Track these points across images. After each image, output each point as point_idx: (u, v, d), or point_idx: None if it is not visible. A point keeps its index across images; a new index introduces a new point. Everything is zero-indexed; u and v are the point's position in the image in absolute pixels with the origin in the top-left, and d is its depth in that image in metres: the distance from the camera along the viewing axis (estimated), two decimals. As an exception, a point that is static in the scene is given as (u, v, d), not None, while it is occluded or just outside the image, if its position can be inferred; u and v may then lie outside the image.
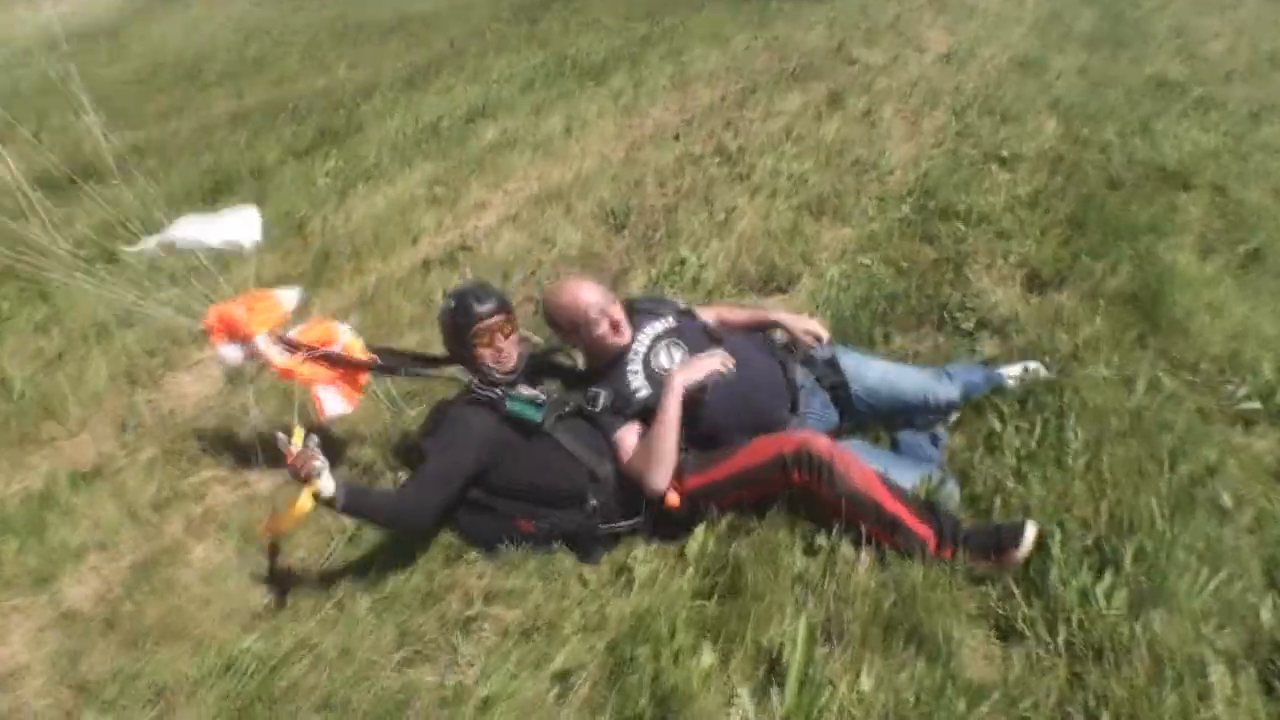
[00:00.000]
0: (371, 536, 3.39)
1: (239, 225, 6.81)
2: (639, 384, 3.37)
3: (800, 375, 3.48)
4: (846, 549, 2.99)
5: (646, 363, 3.40)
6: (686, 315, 3.63)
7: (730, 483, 3.13)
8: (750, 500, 3.15)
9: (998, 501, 3.15)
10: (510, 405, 3.28)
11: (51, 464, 4.10)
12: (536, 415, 3.27)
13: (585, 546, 3.22)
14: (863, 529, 2.96)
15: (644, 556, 3.16)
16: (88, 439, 4.28)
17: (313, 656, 2.92)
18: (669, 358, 3.41)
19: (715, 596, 2.94)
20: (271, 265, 6.09)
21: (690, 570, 3.04)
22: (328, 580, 3.24)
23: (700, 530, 3.16)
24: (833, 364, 3.55)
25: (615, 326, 3.37)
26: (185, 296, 4.24)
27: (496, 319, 3.38)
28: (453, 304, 3.42)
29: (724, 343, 3.44)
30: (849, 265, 5.05)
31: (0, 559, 3.54)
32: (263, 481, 3.83)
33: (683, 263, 5.32)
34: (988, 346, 4.21)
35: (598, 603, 3.01)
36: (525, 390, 3.37)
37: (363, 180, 7.54)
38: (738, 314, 3.83)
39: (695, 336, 3.48)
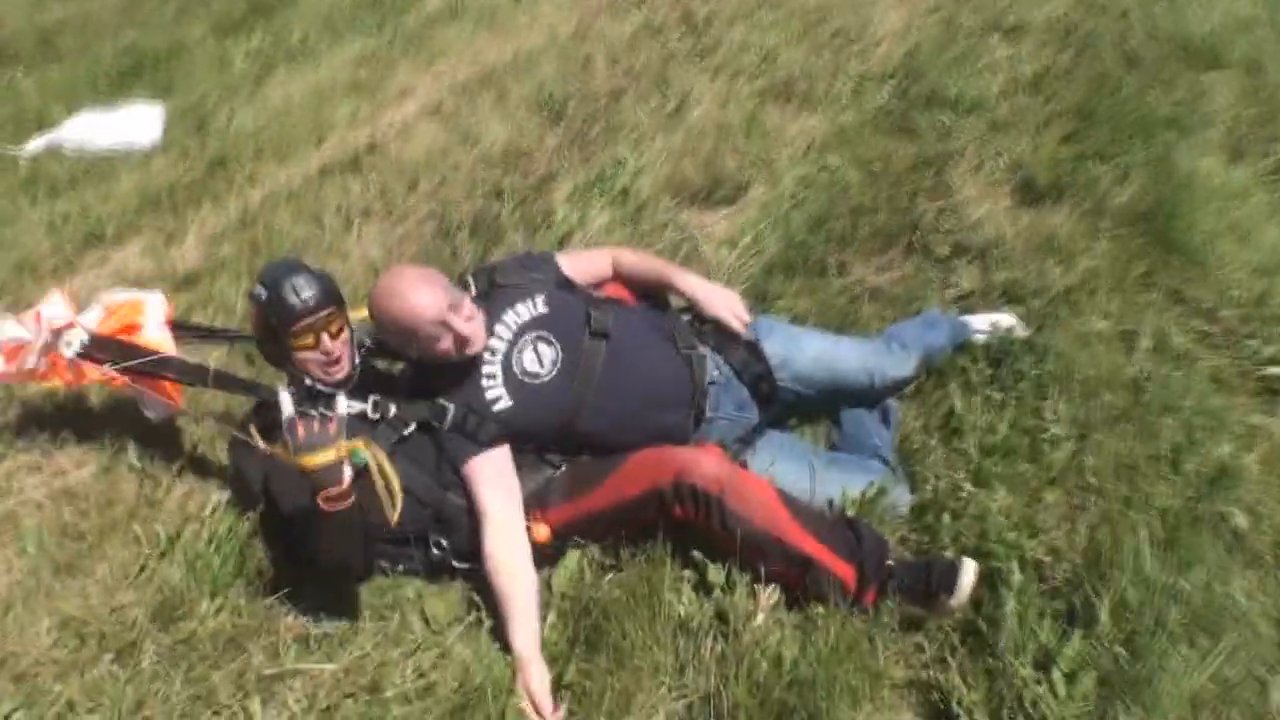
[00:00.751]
0: (188, 547, 2.79)
1: (138, 124, 6.16)
2: (496, 393, 2.60)
3: (711, 367, 2.73)
4: (748, 584, 2.36)
5: (507, 366, 2.63)
6: (563, 290, 2.81)
7: (600, 518, 2.50)
8: (629, 535, 2.51)
9: (946, 515, 2.49)
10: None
11: None
12: (358, 457, 2.42)
13: (442, 582, 2.61)
14: (764, 569, 2.33)
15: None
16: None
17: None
18: (535, 358, 2.63)
19: (575, 651, 2.34)
20: (162, 173, 5.38)
21: (551, 614, 2.44)
22: (122, 616, 2.65)
23: (573, 558, 2.54)
24: (754, 349, 2.78)
25: (461, 341, 2.54)
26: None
27: (322, 314, 2.57)
28: (263, 294, 2.58)
29: (610, 332, 2.66)
30: (811, 168, 4.23)
31: None
32: (81, 470, 3.22)
33: (620, 164, 4.52)
34: (965, 278, 3.45)
35: (436, 650, 2.41)
36: (346, 405, 2.48)
37: (285, 62, 6.59)
38: (640, 264, 3.01)
39: (569, 326, 2.68)
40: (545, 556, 2.53)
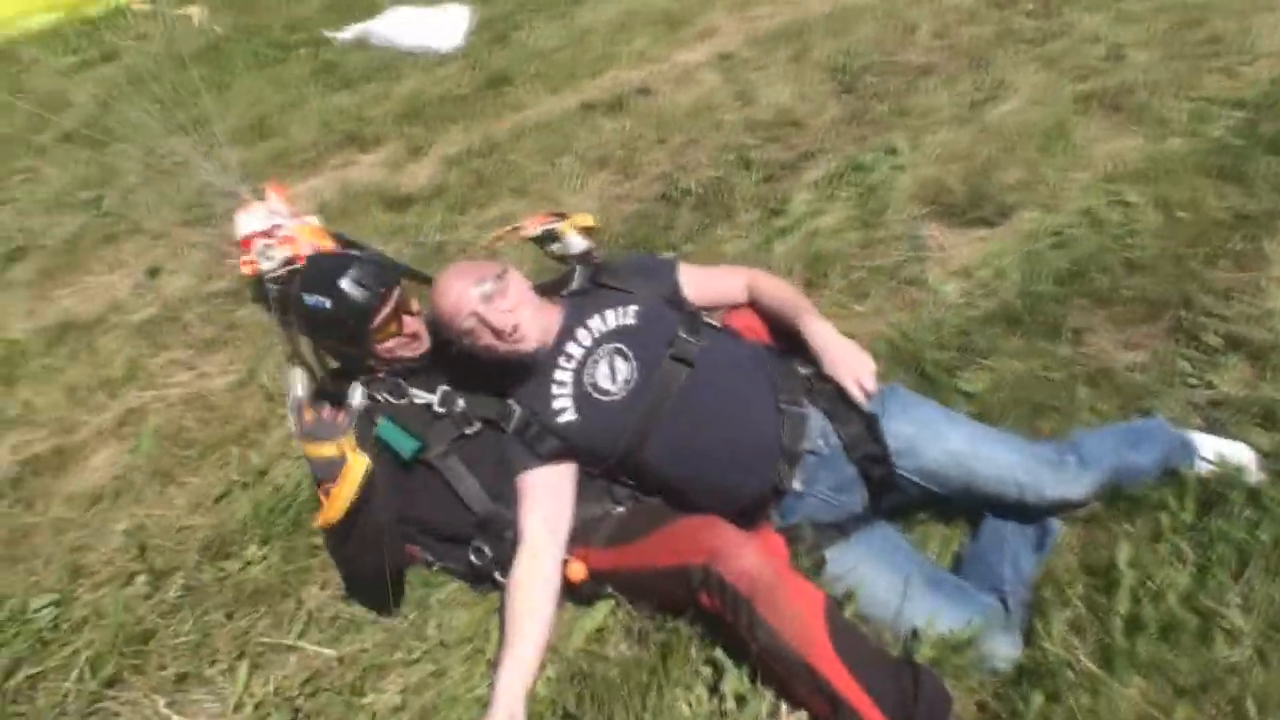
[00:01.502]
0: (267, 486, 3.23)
1: (445, 26, 6.94)
2: (563, 404, 2.62)
3: (814, 433, 2.55)
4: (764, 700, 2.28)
5: (579, 376, 2.63)
6: (666, 305, 2.75)
7: (632, 579, 2.50)
8: (662, 605, 2.49)
9: (1041, 693, 2.22)
10: (381, 430, 2.71)
11: (70, 303, 4.39)
12: (406, 449, 2.67)
13: (484, 590, 2.76)
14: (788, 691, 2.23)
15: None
16: (113, 282, 4.50)
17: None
18: (609, 373, 2.61)
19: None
20: (441, 82, 6.02)
21: (553, 668, 2.47)
22: (182, 539, 3.12)
23: (602, 611, 2.57)
24: (872, 426, 2.55)
25: (499, 332, 2.56)
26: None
27: (394, 297, 2.70)
28: (326, 304, 2.63)
29: (694, 360, 2.58)
30: (1102, 200, 3.85)
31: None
32: (221, 379, 3.80)
33: (890, 153, 4.41)
34: (1225, 379, 3.03)
35: (432, 667, 2.57)
36: (362, 396, 2.70)
37: (614, -20, 7.10)
38: (774, 295, 2.86)
39: (652, 344, 2.62)
40: (580, 596, 2.60)
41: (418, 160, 5.18)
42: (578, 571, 2.54)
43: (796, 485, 2.51)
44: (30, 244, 5.08)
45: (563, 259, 2.99)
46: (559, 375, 2.61)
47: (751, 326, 2.91)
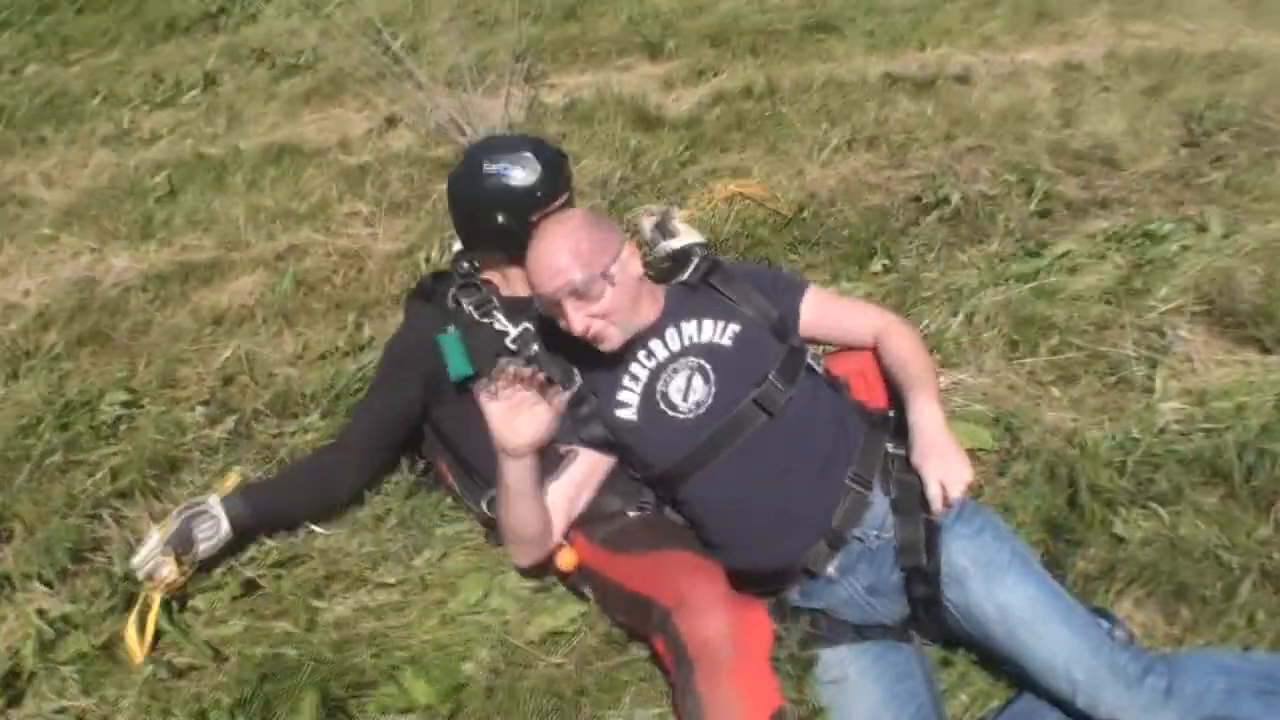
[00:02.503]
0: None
1: None
2: (628, 399, 2.41)
3: (870, 522, 2.24)
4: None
5: (653, 381, 2.41)
6: (772, 334, 2.46)
7: (607, 591, 2.35)
8: (627, 629, 2.35)
9: None
10: (444, 338, 2.61)
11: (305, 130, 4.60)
12: (454, 370, 2.57)
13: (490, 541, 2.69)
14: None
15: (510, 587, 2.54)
16: (354, 120, 4.64)
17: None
18: (684, 389, 2.37)
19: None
20: (768, 11, 5.78)
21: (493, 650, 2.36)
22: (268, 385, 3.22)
23: (570, 611, 2.42)
24: (931, 537, 2.20)
25: (588, 330, 2.34)
26: None
27: (561, 200, 2.64)
28: (511, 173, 2.60)
29: (777, 412, 2.31)
30: None
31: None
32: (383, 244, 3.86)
33: (1201, 229, 3.76)
34: None
35: (390, 598, 2.52)
36: (499, 322, 2.62)
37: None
38: (900, 356, 2.50)
39: (740, 376, 2.36)
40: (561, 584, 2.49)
41: (693, 85, 5.04)
42: (567, 559, 2.38)
43: (830, 570, 2.22)
44: (307, 66, 5.34)
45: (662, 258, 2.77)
46: (635, 369, 2.41)
47: (864, 372, 2.59)
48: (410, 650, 2.36)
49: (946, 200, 4.03)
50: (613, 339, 2.35)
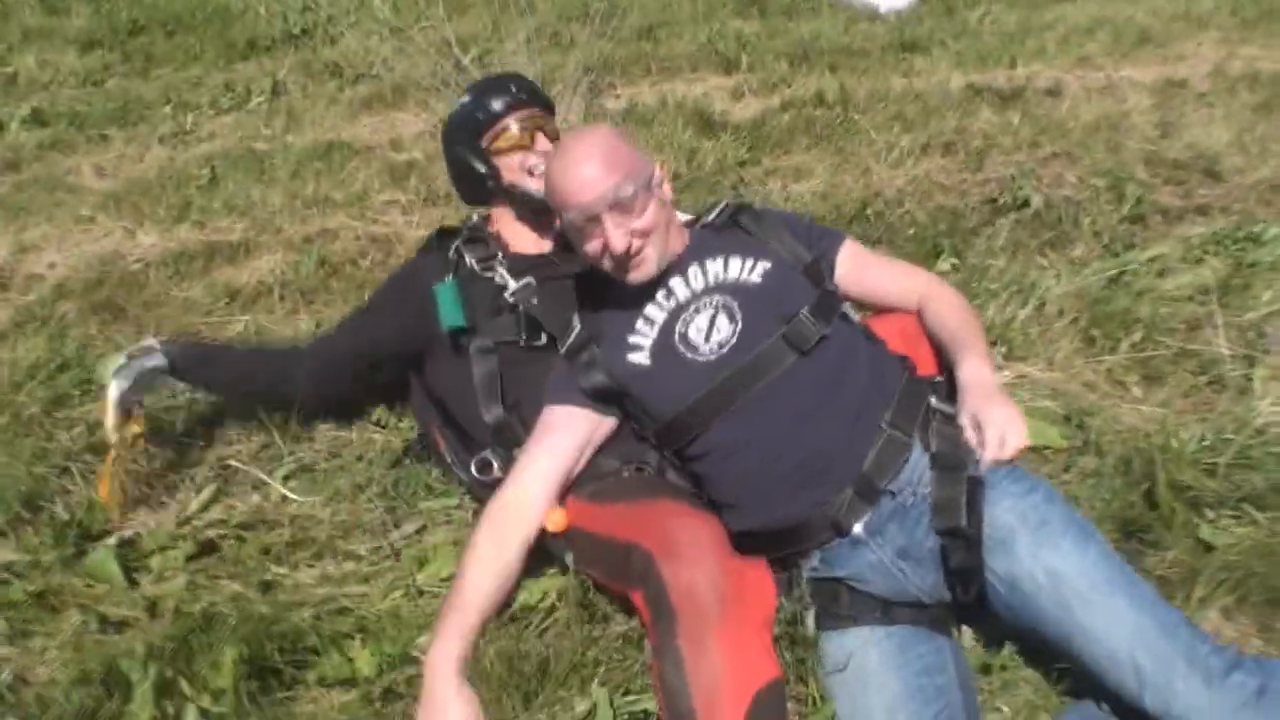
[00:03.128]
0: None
1: None
2: (639, 342, 2.12)
3: (908, 474, 1.93)
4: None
5: (671, 321, 2.12)
6: (805, 276, 2.17)
7: (589, 544, 2.03)
8: (608, 589, 2.06)
9: None
10: (440, 289, 2.40)
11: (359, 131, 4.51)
12: (447, 320, 2.37)
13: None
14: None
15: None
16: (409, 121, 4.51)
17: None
18: (705, 328, 2.08)
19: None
20: (852, 32, 5.55)
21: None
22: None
23: (550, 583, 2.11)
24: (974, 494, 1.85)
25: (613, 257, 2.07)
26: None
27: (534, 113, 2.49)
28: (466, 99, 2.55)
29: (809, 349, 2.01)
30: None
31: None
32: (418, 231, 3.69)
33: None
34: None
35: (353, 569, 2.27)
36: (500, 276, 2.41)
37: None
38: (946, 318, 2.20)
39: (768, 312, 2.07)
40: (547, 550, 2.13)
41: (763, 95, 4.80)
42: (556, 520, 2.08)
43: (858, 528, 1.91)
44: (374, 76, 5.32)
45: None
46: (650, 310, 2.13)
47: (905, 333, 2.27)
48: (363, 621, 2.09)
49: (1026, 203, 3.69)
50: (649, 263, 2.09)
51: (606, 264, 2.10)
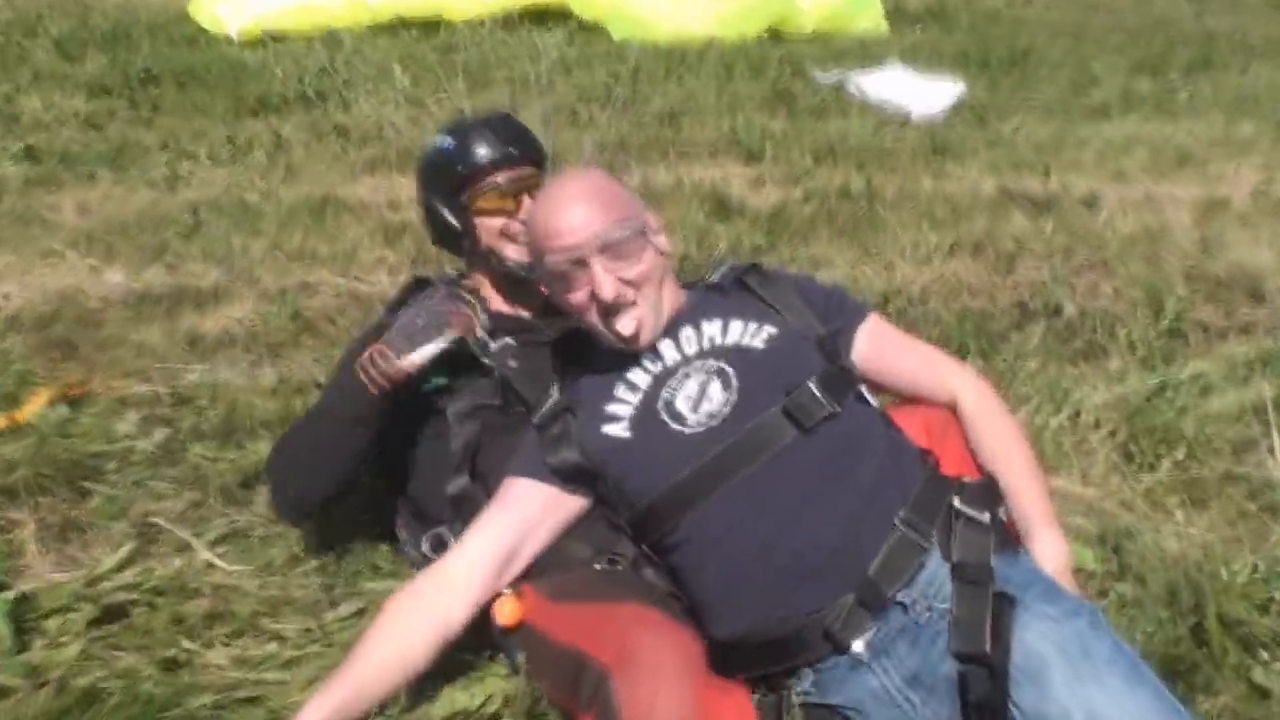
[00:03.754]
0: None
1: (928, 95, 6.59)
2: (618, 412, 1.85)
3: (923, 586, 1.62)
4: None
5: (657, 388, 1.85)
6: (815, 344, 1.90)
7: (540, 648, 1.74)
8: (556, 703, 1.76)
9: None
10: None
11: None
12: (433, 377, 2.09)
13: None
14: None
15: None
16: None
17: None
18: (695, 397, 1.80)
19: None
20: (881, 133, 5.43)
21: None
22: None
23: (491, 686, 1.82)
24: (1000, 614, 1.55)
25: (602, 308, 1.82)
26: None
27: (525, 171, 2.21)
28: (449, 143, 2.25)
29: (812, 428, 1.73)
30: None
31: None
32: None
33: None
34: None
35: (275, 652, 1.97)
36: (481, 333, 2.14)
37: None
38: (993, 446, 1.91)
39: (769, 383, 1.79)
40: (504, 641, 1.85)
41: (786, 185, 4.62)
42: (508, 612, 1.78)
43: (859, 644, 1.60)
44: (382, 139, 5.19)
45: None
46: (634, 375, 1.86)
47: (931, 430, 1.98)
48: (275, 714, 1.80)
49: (1058, 310, 3.48)
50: (642, 328, 1.82)
51: (592, 319, 1.83)
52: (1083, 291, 3.65)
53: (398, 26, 7.80)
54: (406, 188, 4.55)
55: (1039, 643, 1.51)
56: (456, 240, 2.26)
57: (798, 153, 5.20)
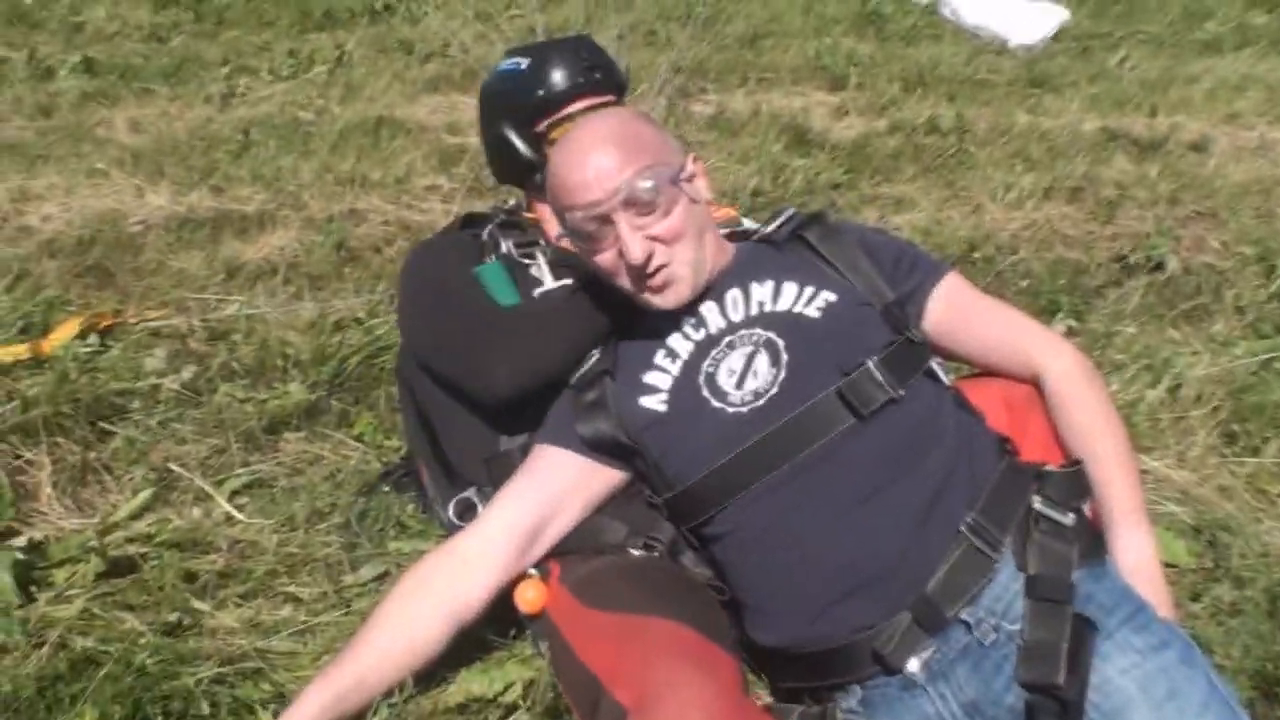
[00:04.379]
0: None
1: (1028, 21, 6.20)
2: (656, 382, 1.66)
3: (987, 598, 1.43)
4: None
5: (698, 357, 1.66)
6: (883, 317, 1.66)
7: (565, 658, 1.56)
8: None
9: None
10: (485, 269, 1.94)
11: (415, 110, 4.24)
12: (505, 297, 1.89)
13: None
14: None
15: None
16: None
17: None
18: (741, 370, 1.61)
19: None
20: (976, 63, 5.12)
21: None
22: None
23: (512, 672, 1.67)
24: (1079, 639, 1.36)
25: (630, 268, 1.61)
26: None
27: (597, 99, 1.99)
28: (523, 65, 2.02)
29: (870, 415, 1.52)
30: None
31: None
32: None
33: None
34: None
35: (289, 616, 1.85)
36: (538, 270, 1.94)
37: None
38: (1082, 428, 1.65)
39: (829, 361, 1.58)
40: (531, 624, 1.70)
41: (870, 116, 4.39)
42: (531, 599, 1.61)
43: (913, 665, 1.41)
44: (446, 56, 5.01)
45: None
46: (674, 342, 1.67)
47: (1012, 408, 1.73)
48: (281, 688, 1.67)
49: (1160, 265, 3.22)
50: (680, 283, 1.62)
51: (623, 282, 1.64)
52: (1188, 246, 3.38)
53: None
54: (468, 109, 4.40)
55: (1120, 678, 1.33)
56: (528, 172, 2.03)
57: (885, 80, 4.95)
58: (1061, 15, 5.96)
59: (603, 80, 2.02)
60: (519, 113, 1.99)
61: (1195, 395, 2.54)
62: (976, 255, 3.19)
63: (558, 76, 1.97)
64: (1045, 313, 2.97)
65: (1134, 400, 2.52)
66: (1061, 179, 3.78)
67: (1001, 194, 3.61)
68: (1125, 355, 2.68)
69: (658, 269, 1.59)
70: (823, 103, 4.64)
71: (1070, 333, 2.90)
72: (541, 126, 1.96)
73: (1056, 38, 5.81)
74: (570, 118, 1.94)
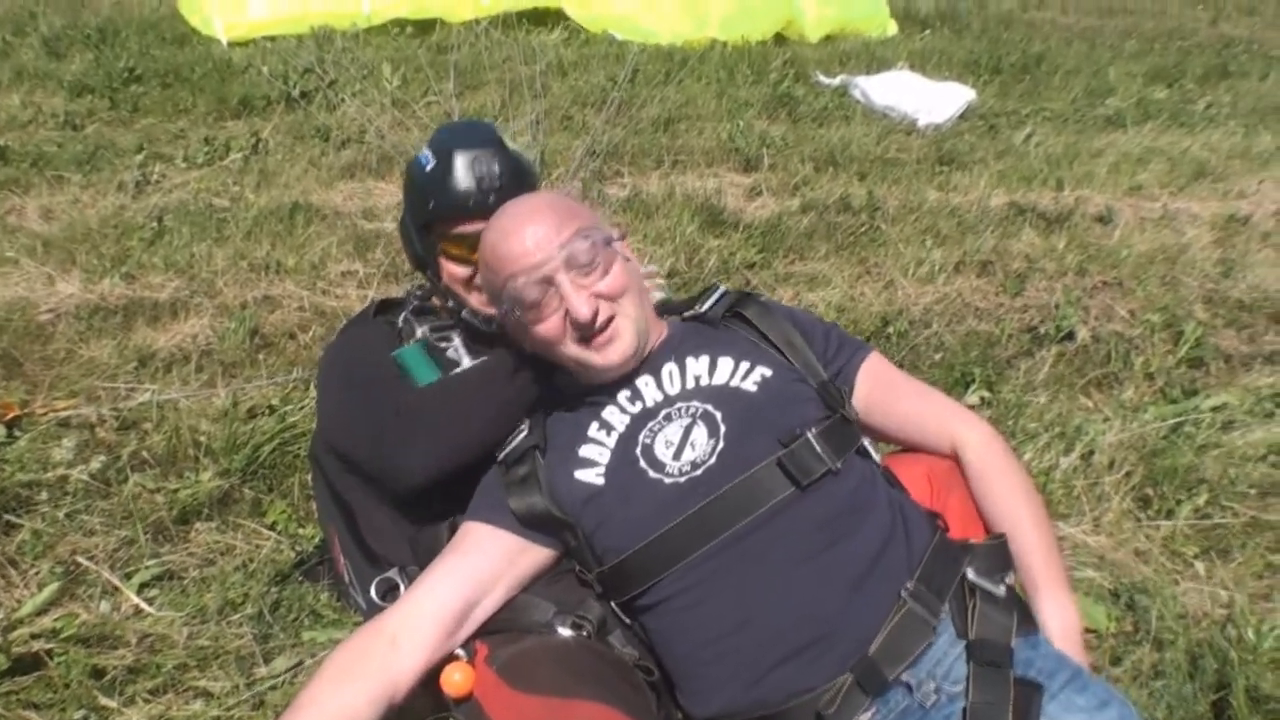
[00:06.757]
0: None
1: (935, 102, 6.42)
2: (592, 456, 1.66)
3: (927, 662, 1.45)
4: None
5: (634, 430, 1.66)
6: (818, 394, 1.70)
7: None
8: None
9: None
10: (403, 353, 1.93)
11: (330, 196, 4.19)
12: (429, 378, 1.87)
13: None
14: None
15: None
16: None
17: None
18: (677, 443, 1.62)
19: None
20: (886, 142, 5.24)
21: None
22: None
23: None
24: (1024, 703, 1.37)
25: (585, 329, 1.62)
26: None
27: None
28: (429, 165, 1.94)
29: (807, 484, 1.54)
30: None
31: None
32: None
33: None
34: None
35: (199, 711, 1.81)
36: (454, 351, 1.96)
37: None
38: (1001, 504, 1.69)
39: (767, 432, 1.60)
40: (457, 710, 1.62)
41: (783, 196, 4.46)
42: (458, 682, 1.56)
43: None
44: (362, 143, 5.01)
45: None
46: (609, 415, 1.67)
47: (934, 482, 1.77)
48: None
49: (1070, 334, 3.30)
50: (624, 337, 1.63)
51: (569, 348, 1.63)
52: (1097, 315, 3.46)
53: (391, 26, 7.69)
54: (383, 195, 4.40)
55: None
56: (422, 266, 2.04)
57: (797, 160, 5.04)
58: (968, 95, 6.14)
59: (496, 203, 1.85)
60: (418, 214, 1.97)
61: (1108, 461, 2.60)
62: (890, 330, 3.24)
63: (453, 195, 1.92)
64: (959, 384, 3.02)
65: (1048, 468, 2.56)
66: (971, 253, 3.86)
67: (913, 269, 3.67)
68: (1038, 424, 2.73)
69: (606, 322, 1.61)
70: (736, 184, 4.71)
71: (983, 403, 2.95)
72: (433, 232, 1.94)
73: (964, 116, 5.98)
74: (463, 236, 1.89)
